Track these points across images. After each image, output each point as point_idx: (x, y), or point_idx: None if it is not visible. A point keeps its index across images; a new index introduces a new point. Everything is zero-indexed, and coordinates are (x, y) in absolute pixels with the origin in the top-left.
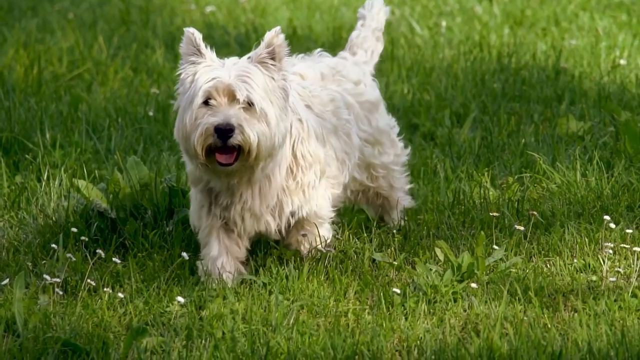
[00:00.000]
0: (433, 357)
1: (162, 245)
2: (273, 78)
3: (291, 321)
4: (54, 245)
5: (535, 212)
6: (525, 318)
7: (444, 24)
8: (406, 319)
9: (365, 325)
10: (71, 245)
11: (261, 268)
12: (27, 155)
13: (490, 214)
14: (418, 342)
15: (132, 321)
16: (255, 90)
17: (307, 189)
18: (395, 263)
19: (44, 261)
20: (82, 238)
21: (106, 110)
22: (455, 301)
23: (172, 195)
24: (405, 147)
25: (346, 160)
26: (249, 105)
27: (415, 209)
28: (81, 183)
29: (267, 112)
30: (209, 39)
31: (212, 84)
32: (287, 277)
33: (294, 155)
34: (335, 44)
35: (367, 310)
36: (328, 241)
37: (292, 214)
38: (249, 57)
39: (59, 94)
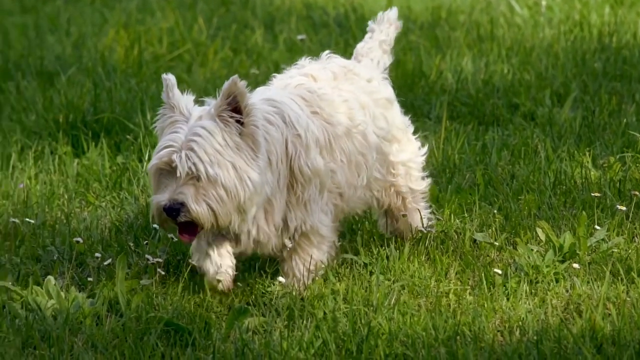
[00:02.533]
0: (535, 337)
1: None
2: (235, 131)
3: (392, 301)
4: (155, 226)
5: (637, 192)
6: (628, 299)
7: (544, 3)
8: (508, 299)
9: (467, 305)
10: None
11: (362, 248)
12: (128, 136)
13: (592, 194)
14: (520, 322)
15: (234, 301)
16: (202, 158)
17: (308, 203)
18: (497, 243)
19: (146, 241)
20: None
21: (206, 90)
22: (557, 281)
23: None
24: (420, 147)
25: (362, 162)
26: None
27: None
28: None
29: (218, 176)
30: (307, 20)
31: (157, 162)
32: (388, 258)
33: (292, 172)
34: (434, 24)
35: (468, 291)
36: (321, 265)
37: (296, 229)
38: (210, 111)
39: (159, 74)
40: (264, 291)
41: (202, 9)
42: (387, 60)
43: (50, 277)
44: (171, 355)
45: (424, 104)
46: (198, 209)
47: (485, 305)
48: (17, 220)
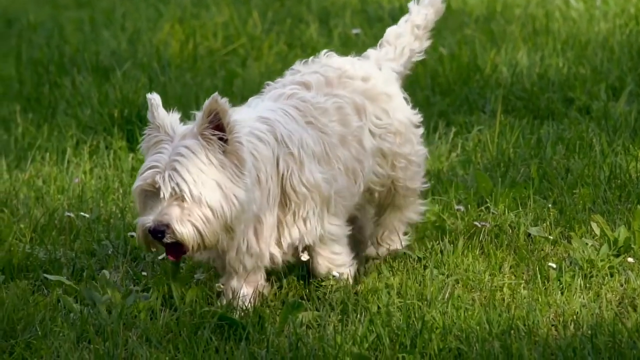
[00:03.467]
0: (589, 332)
1: None
2: (218, 149)
3: (446, 295)
4: None
5: None
6: None
7: None
8: (562, 293)
9: (521, 299)
10: None
11: (416, 242)
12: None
13: None
14: (574, 316)
15: (288, 296)
16: (185, 178)
17: (307, 219)
18: (551, 237)
19: None
20: None
21: (261, 85)
22: (611, 276)
23: None
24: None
25: (358, 169)
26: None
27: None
28: None
29: (202, 196)
30: (362, 14)
31: (141, 183)
32: (442, 252)
33: (283, 191)
34: (489, 17)
35: (522, 285)
36: (344, 265)
37: (292, 245)
38: (192, 129)
39: (214, 69)
40: (317, 285)
41: (257, 3)
42: (419, 46)
43: (105, 271)
44: (225, 349)
45: (478, 97)
46: (183, 230)
47: (540, 300)
48: (72, 215)
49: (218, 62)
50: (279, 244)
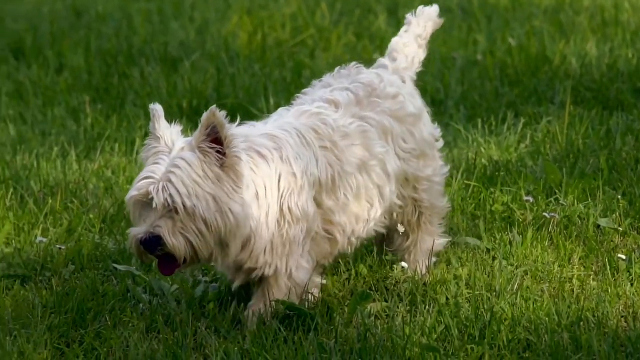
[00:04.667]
0: None
1: None
2: (215, 162)
3: (515, 287)
4: None
5: None
6: None
7: None
8: (632, 284)
9: (590, 291)
10: None
11: (485, 234)
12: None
13: None
14: None
15: (356, 286)
16: (179, 189)
17: (291, 243)
18: (620, 228)
19: None
20: None
21: None
22: None
23: None
24: (443, 165)
25: (375, 195)
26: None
27: (441, 253)
28: None
29: (195, 208)
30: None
31: (135, 193)
32: (510, 243)
33: (281, 208)
34: (557, 8)
35: (591, 276)
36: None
37: (265, 266)
38: (190, 142)
39: (283, 60)
40: (386, 276)
41: None
42: (422, 54)
43: None
44: (293, 339)
45: (547, 89)
46: (174, 242)
47: (609, 291)
48: None
49: (286, 53)
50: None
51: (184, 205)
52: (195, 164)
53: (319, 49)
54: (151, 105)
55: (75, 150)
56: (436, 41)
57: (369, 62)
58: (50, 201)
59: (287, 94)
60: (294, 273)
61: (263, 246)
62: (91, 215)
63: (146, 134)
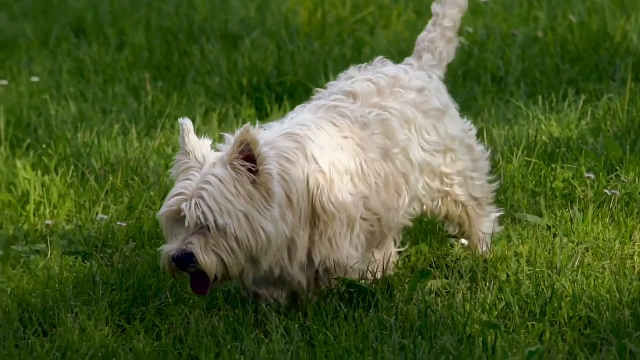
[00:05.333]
0: None
1: None
2: (247, 180)
3: (576, 264)
4: None
5: None
6: None
7: None
8: None
9: None
10: None
11: (545, 211)
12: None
13: None
14: None
15: (417, 264)
16: (211, 207)
17: (333, 238)
18: None
19: None
20: None
21: (389, 53)
22: None
23: None
24: (484, 151)
25: (402, 183)
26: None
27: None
28: None
29: (228, 226)
30: None
31: (166, 210)
32: (571, 220)
33: (314, 210)
34: None
35: None
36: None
37: (321, 264)
38: (223, 158)
39: (343, 37)
40: (446, 253)
41: None
42: (452, 48)
43: None
44: (354, 316)
45: (608, 66)
46: (207, 260)
47: None
48: None
49: (347, 30)
50: (310, 262)
51: (216, 223)
52: (227, 181)
53: (380, 26)
54: (180, 120)
55: (136, 128)
56: (497, 18)
57: None
58: (111, 179)
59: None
60: (345, 264)
61: (304, 247)
62: (152, 193)
63: (207, 112)
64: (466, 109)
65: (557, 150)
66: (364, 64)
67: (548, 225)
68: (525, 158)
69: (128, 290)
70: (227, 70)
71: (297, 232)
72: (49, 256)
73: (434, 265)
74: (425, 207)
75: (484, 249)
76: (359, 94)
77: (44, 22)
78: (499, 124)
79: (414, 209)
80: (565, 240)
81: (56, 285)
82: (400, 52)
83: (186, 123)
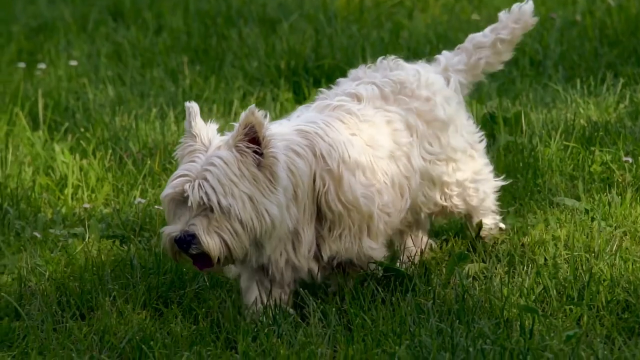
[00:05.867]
0: None
1: None
2: (252, 162)
3: (614, 247)
4: None
5: None
6: None
7: None
8: None
9: None
10: None
11: (583, 194)
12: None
13: None
14: None
15: (454, 247)
16: (215, 188)
17: (343, 235)
18: None
19: None
20: None
21: (427, 36)
22: None
23: (492, 121)
24: (487, 164)
25: (405, 185)
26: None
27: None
28: None
29: (231, 207)
30: None
31: (170, 191)
32: (609, 204)
33: (318, 209)
34: None
35: None
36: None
37: (333, 259)
38: (228, 141)
39: (381, 20)
40: (483, 237)
41: None
42: (497, 60)
43: None
44: (391, 300)
45: None
46: (209, 241)
47: None
48: None
49: (384, 14)
50: (317, 257)
51: (219, 204)
52: (232, 163)
53: (417, 9)
54: (187, 103)
55: (173, 111)
56: (535, 1)
57: (466, 23)
58: (149, 162)
59: (384, 55)
60: (369, 256)
61: (310, 242)
62: None
63: (245, 95)
64: (504, 92)
65: (595, 134)
66: (379, 59)
67: (586, 209)
68: (563, 142)
69: (165, 273)
70: (265, 53)
71: (301, 225)
72: (86, 240)
73: (472, 249)
74: (422, 215)
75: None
76: (364, 97)
77: (82, 5)
78: (537, 108)
79: (408, 216)
80: (603, 224)
81: (94, 268)
82: (437, 36)
83: (192, 106)
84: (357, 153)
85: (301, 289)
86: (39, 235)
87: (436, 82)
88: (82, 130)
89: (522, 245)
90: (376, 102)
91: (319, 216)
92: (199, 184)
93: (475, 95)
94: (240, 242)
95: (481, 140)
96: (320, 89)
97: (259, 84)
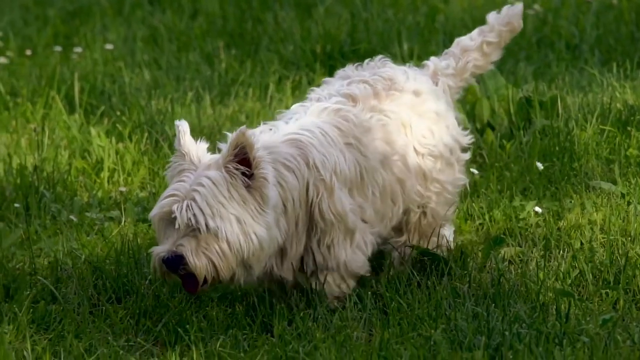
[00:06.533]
0: None
1: (519, 156)
2: (241, 184)
3: None
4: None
5: None
6: None
7: None
8: None
9: None
10: None
11: (620, 178)
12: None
13: None
14: None
15: (490, 231)
16: (203, 209)
17: (332, 246)
18: None
19: None
20: None
21: (463, 20)
22: None
23: (528, 105)
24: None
25: (399, 191)
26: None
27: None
28: None
29: (219, 229)
30: None
31: (158, 212)
32: None
33: (311, 217)
34: None
35: None
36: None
37: (314, 271)
38: (218, 161)
39: (416, 5)
40: (520, 220)
41: None
42: (485, 63)
43: None
44: (427, 284)
45: None
46: (197, 263)
47: None
48: None
49: None
50: (301, 269)
51: (207, 226)
52: (221, 184)
53: None
54: (176, 122)
55: (209, 95)
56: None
57: (503, 6)
58: None
59: (420, 39)
60: (349, 267)
61: (295, 256)
62: None
63: (280, 79)
64: (540, 75)
65: (632, 118)
66: (366, 61)
67: (622, 193)
68: (600, 125)
69: None
70: (301, 37)
71: (289, 240)
72: (122, 223)
73: (507, 233)
74: (411, 215)
75: (444, 250)
76: (358, 97)
77: None
78: (573, 91)
79: (398, 220)
80: (639, 207)
81: (130, 252)
82: (474, 20)
83: (182, 124)
84: (348, 167)
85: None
86: (75, 219)
87: (425, 81)
88: (118, 113)
89: (558, 229)
90: (371, 101)
91: (309, 227)
92: (187, 205)
93: (511, 79)
94: (228, 263)
95: (467, 149)
96: (312, 87)
97: (295, 68)
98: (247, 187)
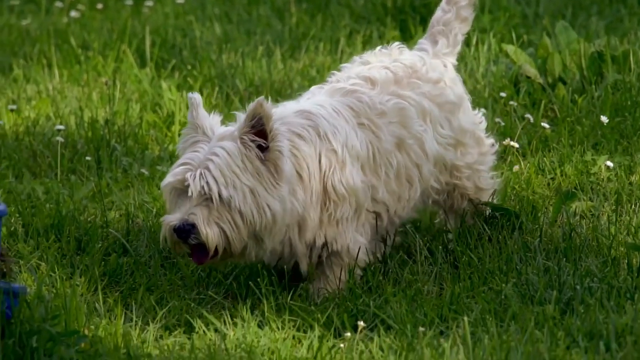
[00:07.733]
0: None
1: (591, 110)
2: (256, 156)
3: None
4: (482, 110)
5: None
6: None
7: None
8: None
9: None
10: (500, 110)
11: None
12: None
13: None
14: None
15: (561, 186)
16: (216, 178)
17: (341, 221)
18: None
19: None
20: (511, 103)
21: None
22: None
23: (600, 60)
24: (493, 144)
25: (415, 174)
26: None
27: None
28: (510, 48)
29: (232, 199)
30: None
31: (171, 180)
32: None
33: (324, 189)
34: None
35: None
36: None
37: (324, 246)
38: (233, 132)
39: None
40: (591, 175)
41: None
42: (466, 27)
43: None
44: (498, 238)
45: None
46: (209, 232)
47: None
48: None
49: None
50: (313, 243)
51: (219, 195)
52: (235, 155)
53: None
54: (189, 94)
55: (280, 49)
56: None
57: None
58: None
59: None
60: (351, 248)
61: (315, 227)
62: None
63: (351, 33)
64: (612, 30)
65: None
66: (379, 47)
67: None
68: None
69: None
70: None
71: (307, 209)
72: None
73: (579, 187)
74: (430, 200)
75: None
76: (378, 81)
77: None
78: None
79: (423, 200)
80: None
81: None
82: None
83: (195, 97)
84: (360, 145)
85: (406, 226)
86: (146, 172)
87: (438, 67)
88: (189, 67)
89: (630, 183)
90: (391, 87)
91: (322, 200)
92: (201, 173)
93: (583, 33)
94: (240, 234)
95: (482, 121)
96: (333, 71)
97: (365, 22)
98: (262, 160)
